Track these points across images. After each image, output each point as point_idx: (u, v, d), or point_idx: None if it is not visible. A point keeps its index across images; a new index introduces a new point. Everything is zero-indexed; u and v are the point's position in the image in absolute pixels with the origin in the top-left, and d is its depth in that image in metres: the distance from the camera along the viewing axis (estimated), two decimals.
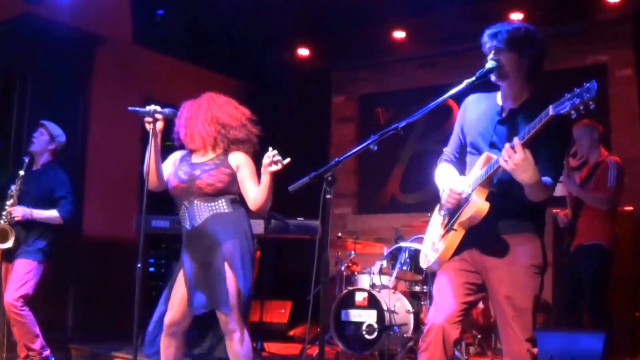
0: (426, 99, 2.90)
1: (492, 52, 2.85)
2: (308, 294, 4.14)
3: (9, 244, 4.83)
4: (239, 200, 3.75)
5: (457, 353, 4.90)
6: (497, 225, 2.82)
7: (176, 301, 3.65)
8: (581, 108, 2.36)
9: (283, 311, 7.05)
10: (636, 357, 5.40)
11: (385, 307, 5.26)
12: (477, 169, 2.82)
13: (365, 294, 5.42)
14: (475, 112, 3.03)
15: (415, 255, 5.42)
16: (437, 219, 3.09)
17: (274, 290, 6.82)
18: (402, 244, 5.67)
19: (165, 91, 6.87)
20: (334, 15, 7.03)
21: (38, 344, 4.87)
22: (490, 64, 2.83)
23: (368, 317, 5.34)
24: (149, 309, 4.07)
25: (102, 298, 6.40)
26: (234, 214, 3.69)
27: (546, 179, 2.69)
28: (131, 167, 6.73)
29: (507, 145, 2.58)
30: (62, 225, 5.02)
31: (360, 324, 5.36)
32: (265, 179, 3.52)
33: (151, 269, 6.98)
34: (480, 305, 5.60)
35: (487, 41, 2.88)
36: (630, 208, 5.90)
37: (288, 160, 3.40)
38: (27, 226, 4.90)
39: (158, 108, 3.57)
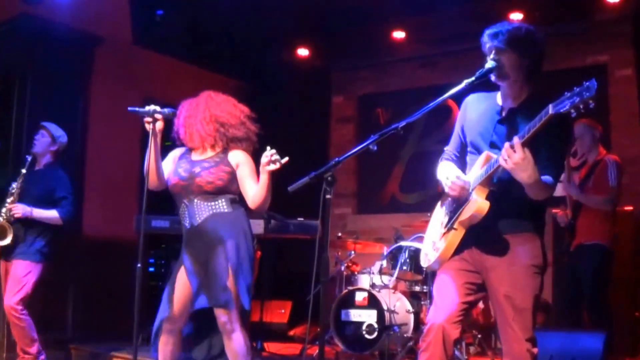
0: (426, 99, 2.89)
1: (492, 52, 2.84)
2: (308, 294, 4.13)
3: (7, 240, 4.83)
4: (238, 200, 3.75)
5: (457, 353, 4.90)
6: (497, 225, 2.82)
7: (174, 299, 3.65)
8: (581, 107, 2.36)
9: (283, 311, 7.05)
10: (636, 356, 5.40)
11: (385, 307, 5.26)
12: (477, 168, 2.82)
13: (365, 294, 5.42)
14: (475, 111, 3.03)
15: (415, 255, 5.42)
16: (437, 217, 3.09)
17: (274, 290, 6.82)
18: (402, 244, 5.66)
19: (165, 91, 6.87)
20: (334, 15, 7.03)
21: (35, 348, 4.87)
22: (490, 63, 2.83)
23: (368, 317, 5.34)
24: (149, 309, 4.07)
25: (102, 298, 6.40)
26: (233, 213, 3.69)
27: (546, 178, 2.69)
28: (131, 167, 6.74)
29: (506, 144, 2.58)
30: (61, 226, 5.02)
31: (361, 323, 5.36)
32: (264, 177, 3.52)
33: (151, 269, 6.99)
34: (481, 305, 5.60)
35: (487, 41, 2.87)
36: (630, 208, 5.90)
37: (286, 159, 3.41)
38: (26, 224, 4.90)
39: (158, 108, 3.56)
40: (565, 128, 2.82)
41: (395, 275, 5.57)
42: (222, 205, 3.68)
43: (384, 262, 5.75)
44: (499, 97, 2.97)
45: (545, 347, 4.12)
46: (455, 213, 2.88)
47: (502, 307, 2.81)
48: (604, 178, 5.09)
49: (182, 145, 3.85)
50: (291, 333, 6.93)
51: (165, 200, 3.91)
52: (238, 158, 3.74)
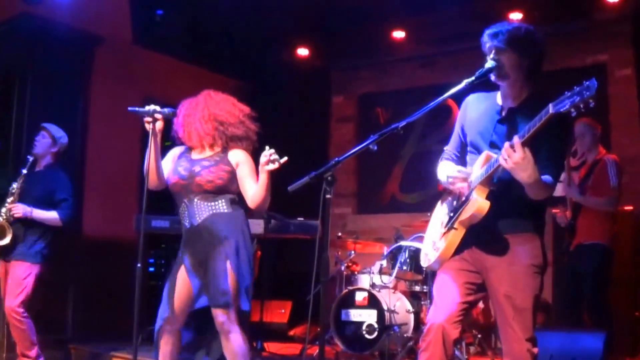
0: (426, 99, 2.89)
1: (492, 51, 2.84)
2: (308, 293, 4.13)
3: (6, 240, 4.82)
4: (238, 201, 3.75)
5: (457, 353, 4.90)
6: (497, 225, 2.81)
7: (174, 298, 3.65)
8: (581, 106, 2.36)
9: (283, 311, 7.05)
10: (636, 356, 5.39)
11: (385, 307, 5.26)
12: (477, 168, 2.82)
13: (366, 294, 5.42)
14: (475, 111, 3.03)
15: (415, 254, 5.42)
16: (437, 217, 3.09)
17: (274, 290, 6.82)
18: (402, 243, 5.66)
19: (165, 91, 6.87)
20: (334, 15, 7.04)
21: (34, 352, 4.85)
22: (490, 63, 2.83)
23: (368, 317, 5.34)
24: (149, 309, 4.07)
25: (102, 298, 6.40)
26: (233, 214, 3.69)
27: (546, 177, 2.69)
28: (131, 167, 6.74)
29: (506, 144, 2.58)
30: (61, 228, 5.01)
31: (361, 323, 5.36)
32: (263, 177, 3.52)
33: (151, 269, 6.98)
34: (481, 304, 5.60)
35: (487, 41, 2.87)
36: (630, 207, 5.90)
37: (285, 159, 3.41)
38: (26, 225, 4.89)
39: (157, 108, 3.56)
40: (566, 127, 2.82)
41: (394, 274, 5.57)
42: (221, 205, 3.68)
43: (384, 262, 5.74)
44: (499, 97, 2.97)
45: (545, 347, 4.12)
46: (455, 213, 2.88)
47: (502, 307, 2.81)
48: (604, 178, 5.09)
49: (182, 144, 3.85)
50: (291, 333, 6.93)
51: (165, 200, 3.91)
52: (238, 157, 3.74)
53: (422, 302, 5.54)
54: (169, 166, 3.79)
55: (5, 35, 6.12)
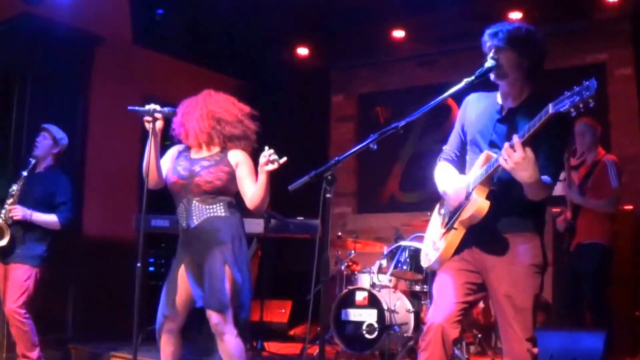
0: (425, 98, 2.90)
1: (492, 51, 2.84)
2: (308, 293, 4.13)
3: (4, 242, 4.80)
4: (234, 204, 3.75)
5: (457, 352, 4.90)
6: (497, 224, 2.81)
7: (174, 297, 3.65)
8: (581, 106, 2.36)
9: (283, 311, 7.05)
10: (637, 356, 5.39)
11: (385, 307, 5.26)
12: (477, 167, 2.82)
13: (366, 294, 5.42)
14: (475, 110, 3.03)
15: (415, 254, 5.42)
16: (437, 217, 3.09)
17: (274, 290, 6.82)
18: (402, 243, 5.66)
19: (165, 90, 6.86)
20: (334, 14, 7.04)
21: (35, 353, 4.84)
22: (489, 62, 2.83)
23: (368, 317, 5.34)
24: (149, 309, 4.07)
25: (102, 298, 6.40)
26: (229, 218, 3.69)
27: (545, 177, 2.69)
28: (131, 166, 6.73)
29: (506, 144, 2.58)
30: (60, 231, 5.00)
31: (361, 323, 5.36)
32: (262, 178, 3.52)
33: (151, 269, 6.99)
34: (481, 304, 5.59)
35: (487, 40, 2.87)
36: (630, 207, 5.90)
37: (284, 159, 3.40)
38: (26, 227, 4.87)
39: (157, 107, 3.57)
40: (565, 127, 2.82)
41: (389, 272, 5.57)
42: (219, 209, 3.67)
43: (384, 262, 5.74)
44: (499, 97, 2.97)
45: (545, 347, 4.12)
46: (455, 213, 2.88)
47: (502, 306, 2.81)
48: (604, 180, 5.09)
49: (180, 142, 3.84)
50: (291, 333, 6.93)
51: (165, 199, 3.91)
52: (237, 157, 3.74)
53: (423, 302, 5.54)
54: (168, 165, 3.79)
55: (5, 35, 6.12)
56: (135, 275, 3.40)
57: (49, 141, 5.09)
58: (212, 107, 3.77)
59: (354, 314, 5.42)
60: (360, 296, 5.44)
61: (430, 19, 7.00)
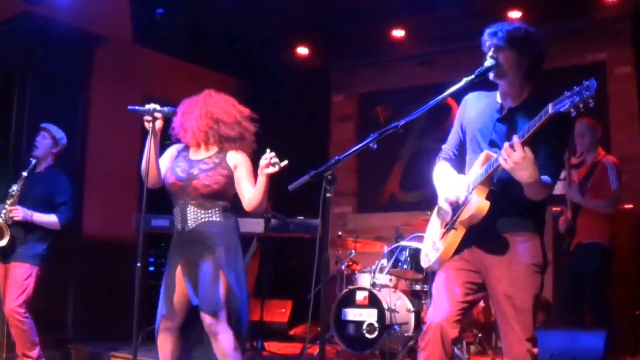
0: (425, 97, 2.90)
1: (491, 50, 2.84)
2: (308, 293, 4.13)
3: (4, 242, 4.80)
4: (230, 208, 3.74)
5: (457, 352, 4.90)
6: (497, 224, 2.81)
7: (172, 296, 3.65)
8: (581, 106, 2.36)
9: (283, 310, 7.04)
10: (637, 355, 5.39)
11: (385, 306, 5.26)
12: (477, 167, 2.81)
13: (366, 293, 5.41)
14: (474, 109, 3.03)
15: (415, 253, 5.42)
16: (437, 217, 3.08)
17: (274, 290, 6.82)
18: (403, 243, 5.66)
19: (165, 90, 6.86)
20: (334, 14, 7.04)
21: (35, 352, 4.84)
22: (488, 62, 2.82)
23: (369, 316, 5.34)
24: (149, 308, 4.07)
25: (102, 298, 6.40)
26: (224, 223, 3.70)
27: (545, 177, 2.69)
28: (131, 166, 6.72)
29: (506, 144, 2.57)
30: (60, 231, 5.00)
31: (361, 323, 5.36)
32: (262, 180, 3.51)
33: (151, 269, 6.97)
34: (481, 303, 5.59)
35: (486, 39, 2.87)
36: (630, 206, 5.90)
37: (285, 162, 3.40)
38: (26, 227, 4.87)
39: (157, 107, 3.57)
40: (565, 127, 2.81)
41: (386, 271, 5.57)
42: (214, 214, 3.67)
43: (384, 261, 5.74)
44: (498, 96, 2.97)
45: (545, 346, 4.12)
46: (455, 213, 2.88)
47: (502, 306, 2.80)
48: (604, 181, 5.09)
49: (178, 141, 3.85)
50: (291, 332, 6.93)
51: (165, 199, 3.91)
52: (236, 159, 3.74)
53: (423, 301, 5.54)
54: (167, 164, 3.79)
55: (5, 35, 6.12)
56: (135, 275, 3.40)
57: (48, 141, 5.09)
58: (211, 107, 3.77)
59: (354, 314, 5.42)
60: (360, 296, 5.44)
61: (430, 19, 7.00)
